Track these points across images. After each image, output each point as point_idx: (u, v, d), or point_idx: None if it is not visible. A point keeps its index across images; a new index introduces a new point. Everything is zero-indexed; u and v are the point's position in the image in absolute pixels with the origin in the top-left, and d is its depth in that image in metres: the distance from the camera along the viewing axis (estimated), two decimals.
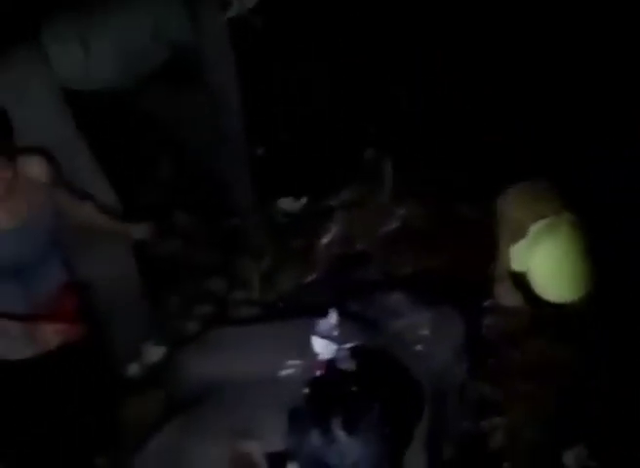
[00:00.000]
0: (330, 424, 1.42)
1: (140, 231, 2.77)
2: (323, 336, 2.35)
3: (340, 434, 1.41)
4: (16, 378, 2.46)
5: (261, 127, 3.85)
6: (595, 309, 2.90)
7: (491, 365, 3.07)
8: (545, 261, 2.86)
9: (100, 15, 2.94)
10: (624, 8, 3.57)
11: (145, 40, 3.10)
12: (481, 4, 3.92)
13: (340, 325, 2.38)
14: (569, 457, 2.74)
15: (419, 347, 2.56)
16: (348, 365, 2.26)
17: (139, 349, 3.30)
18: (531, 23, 3.85)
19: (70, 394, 2.54)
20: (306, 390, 1.53)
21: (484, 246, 3.41)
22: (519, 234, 2.90)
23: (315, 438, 1.43)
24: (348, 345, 2.34)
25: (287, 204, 4.07)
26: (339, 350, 2.33)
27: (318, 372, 2.23)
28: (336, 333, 2.36)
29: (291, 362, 2.37)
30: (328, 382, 1.62)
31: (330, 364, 2.28)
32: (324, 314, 2.43)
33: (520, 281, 2.97)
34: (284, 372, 2.35)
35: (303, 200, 4.06)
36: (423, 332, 2.60)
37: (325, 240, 3.75)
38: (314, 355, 2.32)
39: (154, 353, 3.32)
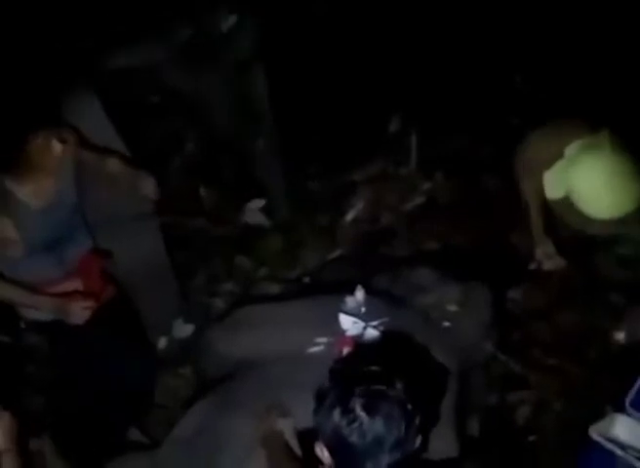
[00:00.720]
0: (351, 403, 1.43)
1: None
2: (350, 314, 2.37)
3: (360, 413, 1.43)
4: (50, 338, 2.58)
5: (286, 100, 3.82)
6: None
7: (518, 338, 3.07)
8: (590, 175, 2.71)
9: None
10: None
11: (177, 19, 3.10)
12: None
13: (367, 302, 2.39)
14: (597, 430, 2.73)
15: (446, 323, 2.56)
16: (374, 342, 2.28)
17: (168, 324, 3.36)
18: None
19: (107, 356, 2.59)
20: (330, 368, 1.54)
21: (511, 219, 3.39)
22: (550, 163, 2.81)
23: (337, 416, 1.44)
24: (375, 322, 2.36)
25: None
26: (365, 327, 2.35)
27: (345, 350, 2.27)
28: (362, 311, 2.38)
29: (319, 339, 2.40)
30: (351, 360, 1.63)
31: (356, 341, 2.31)
32: (350, 291, 2.44)
33: (560, 207, 2.86)
34: (312, 350, 2.38)
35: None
36: (451, 308, 2.60)
37: (350, 216, 3.74)
38: (342, 332, 2.34)
39: (183, 330, 3.37)
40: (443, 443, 2.12)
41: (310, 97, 4.08)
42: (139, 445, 2.81)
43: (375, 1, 4.04)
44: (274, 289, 3.44)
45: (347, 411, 1.43)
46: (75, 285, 2.49)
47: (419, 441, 1.50)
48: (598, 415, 2.35)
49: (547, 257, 3.01)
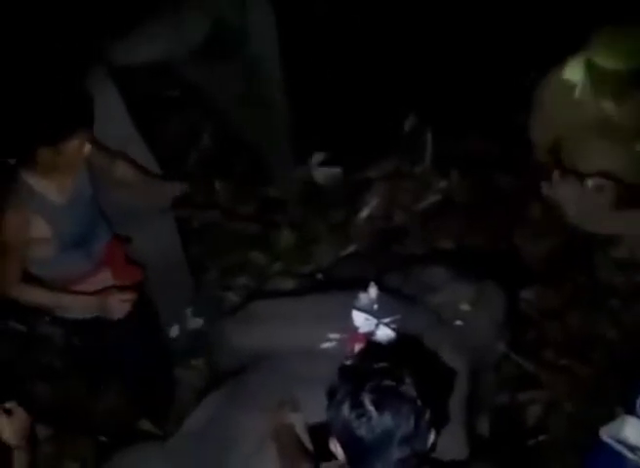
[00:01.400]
0: (360, 397, 1.45)
1: (174, 189, 2.77)
2: (363, 310, 2.37)
3: (369, 408, 1.44)
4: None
5: (301, 96, 3.83)
6: None
7: (531, 338, 3.07)
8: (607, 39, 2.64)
9: None
10: None
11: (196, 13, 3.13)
12: None
13: (380, 299, 2.40)
14: (607, 431, 2.73)
15: (458, 322, 2.56)
16: (386, 339, 2.29)
17: (180, 315, 3.39)
18: None
19: (123, 343, 2.58)
20: (340, 365, 1.56)
21: (526, 219, 3.39)
22: None
23: (346, 410, 1.46)
24: (387, 319, 2.37)
25: (322, 173, 4.05)
26: (378, 324, 2.36)
27: (357, 346, 2.28)
28: (375, 308, 2.39)
29: (331, 335, 2.41)
30: (363, 357, 1.64)
31: (368, 338, 2.32)
32: (363, 288, 2.44)
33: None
34: (325, 345, 2.39)
35: (337, 170, 4.02)
36: (464, 307, 2.59)
37: (364, 213, 3.74)
38: (354, 329, 2.35)
39: (193, 323, 3.40)
40: (453, 441, 2.13)
41: (326, 92, 4.07)
42: (149, 435, 2.84)
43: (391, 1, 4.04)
44: (288, 284, 3.46)
45: (357, 406, 1.45)
46: (106, 275, 2.50)
47: (431, 439, 1.51)
48: (609, 417, 2.35)
49: (561, 182, 2.88)
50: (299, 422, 1.99)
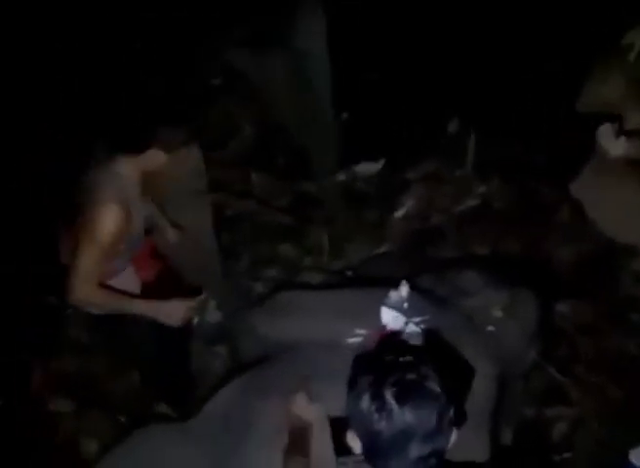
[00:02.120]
0: (382, 390, 1.40)
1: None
2: (392, 308, 2.33)
3: (391, 401, 1.39)
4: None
5: (347, 93, 3.80)
6: None
7: (563, 352, 2.99)
8: None
9: None
10: None
11: None
12: None
13: (411, 298, 2.36)
14: (637, 455, 2.64)
15: (490, 328, 2.50)
16: (413, 337, 2.24)
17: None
18: None
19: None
20: (357, 354, 1.52)
21: (565, 231, 3.32)
22: None
23: (366, 401, 1.41)
24: (417, 319, 2.33)
25: (364, 168, 4.01)
26: (407, 323, 2.31)
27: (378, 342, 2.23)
28: (405, 306, 2.34)
29: (359, 330, 2.37)
30: (384, 348, 1.60)
31: (395, 335, 2.27)
32: (394, 286, 2.40)
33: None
34: (351, 340, 2.36)
35: (381, 163, 3.98)
36: (496, 313, 2.53)
37: (400, 213, 3.71)
38: (382, 326, 2.31)
39: (214, 315, 3.38)
40: (477, 446, 2.08)
41: (371, 91, 4.06)
42: (166, 418, 2.83)
43: (439, 3, 4.00)
44: (317, 278, 3.43)
45: (377, 398, 1.40)
46: (130, 270, 2.44)
47: (453, 438, 1.46)
48: (637, 440, 2.27)
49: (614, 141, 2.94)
50: (320, 414, 1.95)
